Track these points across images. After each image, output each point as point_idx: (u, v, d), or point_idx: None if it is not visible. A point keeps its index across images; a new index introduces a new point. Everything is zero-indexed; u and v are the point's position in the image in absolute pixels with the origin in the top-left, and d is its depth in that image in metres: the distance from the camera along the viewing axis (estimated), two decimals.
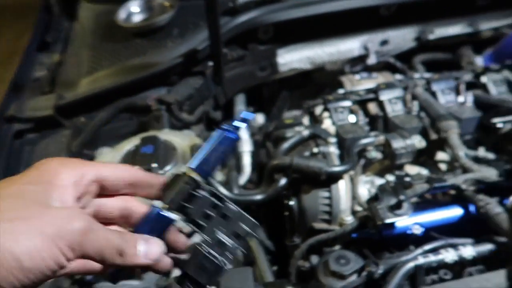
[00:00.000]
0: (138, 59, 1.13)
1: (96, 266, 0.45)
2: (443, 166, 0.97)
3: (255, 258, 0.86)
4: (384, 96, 1.09)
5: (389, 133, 1.03)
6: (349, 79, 1.36)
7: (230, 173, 0.96)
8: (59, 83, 1.17)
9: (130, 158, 0.92)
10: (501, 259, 0.75)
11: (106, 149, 1.05)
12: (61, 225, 0.40)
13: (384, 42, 1.38)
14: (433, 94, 1.10)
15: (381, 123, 1.04)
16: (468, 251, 0.75)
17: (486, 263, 0.76)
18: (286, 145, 0.99)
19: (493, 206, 0.77)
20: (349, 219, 0.86)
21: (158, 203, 0.49)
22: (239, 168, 1.12)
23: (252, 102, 1.44)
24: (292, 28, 1.26)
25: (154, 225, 0.48)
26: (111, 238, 0.43)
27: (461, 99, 1.07)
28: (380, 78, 1.36)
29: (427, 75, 1.28)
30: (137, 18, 1.29)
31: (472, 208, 0.84)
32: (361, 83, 1.34)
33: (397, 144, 0.93)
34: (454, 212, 0.85)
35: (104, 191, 0.48)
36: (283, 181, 0.89)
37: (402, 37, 1.37)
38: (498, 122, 0.95)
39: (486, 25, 1.35)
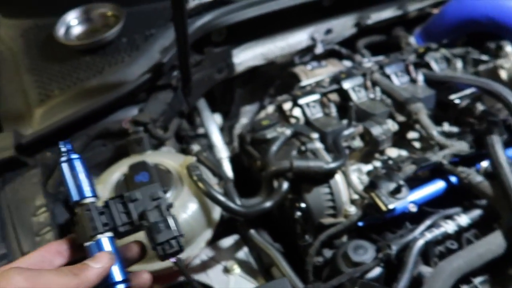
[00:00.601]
0: (95, 79, 1.04)
1: None
2: (416, 145, 1.06)
3: (275, 263, 0.88)
4: (347, 84, 1.16)
5: (359, 120, 1.11)
6: (302, 71, 1.41)
7: (227, 185, 0.95)
8: (4, 118, 1.03)
9: (125, 189, 0.86)
10: (487, 221, 0.87)
11: None
12: None
13: (328, 31, 1.44)
14: (388, 77, 1.19)
15: (352, 112, 1.10)
16: (464, 219, 0.85)
17: (477, 226, 0.87)
18: (274, 147, 1.00)
19: (474, 176, 0.89)
20: (352, 209, 0.92)
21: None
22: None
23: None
24: (244, 28, 1.25)
25: None
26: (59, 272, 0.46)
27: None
28: (330, 66, 1.43)
29: (374, 58, 1.38)
30: (76, 31, 1.18)
31: (453, 179, 0.94)
32: (314, 73, 1.40)
33: (377, 131, 1.00)
34: (438, 185, 0.95)
35: None
36: (285, 185, 0.91)
37: (343, 24, 1.45)
38: (455, 98, 1.07)
39: (413, 7, 1.49)
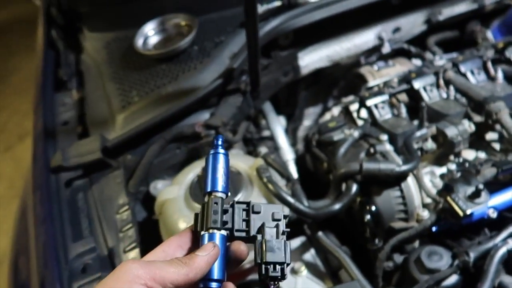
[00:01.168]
0: (170, 85, 1.10)
1: None
2: (496, 146, 1.00)
3: (344, 266, 0.87)
4: (418, 84, 1.12)
5: (431, 121, 1.06)
6: (369, 71, 1.38)
7: (294, 187, 0.96)
8: (91, 123, 1.13)
9: (199, 190, 0.91)
10: None
11: (161, 182, 1.04)
12: None
13: (396, 30, 1.40)
14: (463, 75, 1.13)
15: (424, 112, 1.06)
16: None
17: None
18: (342, 149, 1.00)
19: None
20: (425, 214, 0.89)
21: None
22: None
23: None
24: (310, 31, 1.26)
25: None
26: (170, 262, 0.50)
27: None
28: (398, 65, 1.39)
29: (446, 56, 1.32)
30: (153, 40, 1.26)
31: None
32: (381, 73, 1.36)
33: (452, 132, 0.96)
34: None
35: None
36: (355, 188, 0.90)
37: (413, 22, 1.40)
38: None
39: None
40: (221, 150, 0.58)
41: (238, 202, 0.56)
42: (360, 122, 1.16)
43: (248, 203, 0.56)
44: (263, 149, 1.07)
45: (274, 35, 1.20)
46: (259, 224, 0.55)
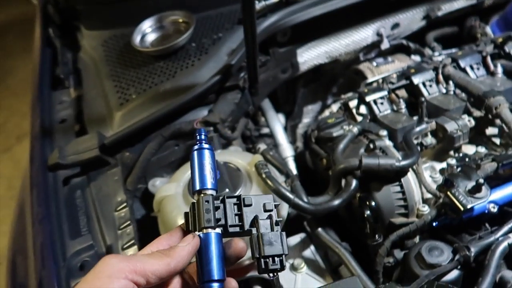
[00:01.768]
0: (168, 82, 1.10)
1: None
2: (496, 141, 0.99)
3: (344, 262, 0.87)
4: (417, 79, 1.11)
5: (430, 116, 1.06)
6: (368, 67, 1.38)
7: (294, 183, 0.95)
8: (89, 121, 1.13)
9: None
10: None
11: (159, 180, 1.03)
12: None
13: (395, 26, 1.40)
14: (462, 70, 1.13)
15: (424, 107, 1.06)
16: None
17: None
18: (341, 145, 0.99)
19: None
20: (425, 209, 0.88)
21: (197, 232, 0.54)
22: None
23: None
24: (309, 27, 1.25)
25: (210, 250, 0.52)
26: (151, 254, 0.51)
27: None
28: (397, 61, 1.39)
29: (445, 52, 1.31)
30: (151, 38, 1.25)
31: None
32: (381, 70, 1.36)
33: (452, 127, 0.96)
34: None
35: None
36: (354, 184, 0.90)
37: (412, 18, 1.40)
38: None
39: None
40: (205, 145, 0.57)
41: (229, 197, 0.55)
42: (359, 118, 1.16)
43: (238, 197, 0.55)
44: (262, 146, 1.07)
45: (272, 31, 1.19)
46: (251, 217, 0.54)
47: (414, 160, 0.89)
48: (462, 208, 0.81)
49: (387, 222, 0.90)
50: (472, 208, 0.82)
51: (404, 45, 1.41)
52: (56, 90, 1.26)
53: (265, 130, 1.33)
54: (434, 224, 0.87)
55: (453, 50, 1.28)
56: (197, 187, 0.54)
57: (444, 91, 1.10)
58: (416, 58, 1.38)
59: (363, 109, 1.14)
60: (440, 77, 1.11)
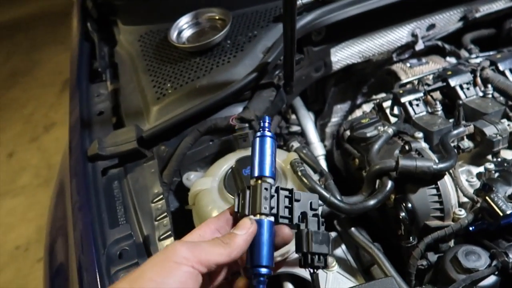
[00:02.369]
0: (204, 78, 1.11)
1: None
2: None
3: (377, 263, 0.87)
4: (454, 82, 1.10)
5: (467, 120, 1.05)
6: (401, 68, 1.37)
7: (328, 182, 0.96)
8: (125, 114, 1.15)
9: (232, 182, 0.91)
10: None
11: (193, 174, 1.05)
12: None
13: (431, 27, 1.38)
14: (502, 73, 1.11)
15: (461, 110, 1.05)
16: None
17: None
18: (376, 146, 0.99)
19: None
20: (462, 213, 0.88)
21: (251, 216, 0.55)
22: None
23: None
24: (344, 26, 1.25)
25: (263, 236, 0.54)
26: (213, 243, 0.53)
27: None
28: (431, 63, 1.37)
29: (483, 54, 1.29)
30: (187, 34, 1.27)
31: None
32: (414, 71, 1.35)
33: (491, 131, 0.94)
34: None
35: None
36: (390, 185, 0.90)
37: (448, 19, 1.38)
38: None
39: None
40: (267, 133, 0.58)
41: (282, 189, 0.56)
42: (393, 119, 1.15)
43: (291, 190, 0.56)
44: (295, 144, 1.07)
45: (308, 30, 1.19)
46: (299, 212, 0.56)
47: (452, 163, 0.88)
48: (501, 214, 0.80)
49: (421, 225, 0.89)
50: (511, 214, 0.81)
51: (439, 46, 1.40)
52: (93, 83, 1.29)
53: (295, 128, 1.34)
54: (470, 228, 0.86)
55: (491, 53, 1.26)
56: (257, 173, 0.56)
57: (481, 94, 1.09)
58: (451, 60, 1.36)
59: (396, 110, 1.13)
60: (478, 80, 1.10)
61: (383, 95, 1.27)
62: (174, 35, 1.22)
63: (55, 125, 3.87)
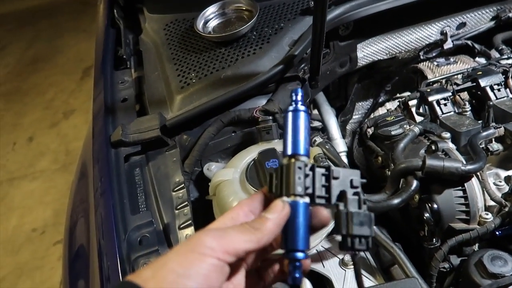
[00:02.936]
0: (229, 69, 1.10)
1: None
2: None
3: (399, 263, 0.85)
4: (484, 82, 1.07)
5: (496, 121, 1.02)
6: (428, 67, 1.34)
7: None
8: (149, 101, 1.15)
9: (255, 174, 0.91)
10: None
11: (214, 164, 1.05)
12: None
13: (461, 25, 1.35)
14: None
15: (491, 112, 1.02)
16: None
17: None
18: (402, 144, 0.97)
19: None
20: (488, 217, 0.86)
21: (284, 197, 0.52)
22: None
23: None
24: (372, 22, 1.23)
25: (298, 218, 0.50)
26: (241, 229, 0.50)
27: None
28: (459, 62, 1.34)
29: None
30: (213, 24, 1.27)
31: None
32: (442, 70, 1.32)
33: None
34: None
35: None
36: (415, 184, 0.88)
37: (480, 18, 1.34)
38: None
39: None
40: (301, 107, 0.54)
41: (318, 166, 0.52)
42: (418, 118, 1.13)
43: (328, 167, 0.52)
44: (317, 139, 1.06)
45: (335, 24, 1.17)
46: (338, 190, 0.51)
47: (480, 165, 0.86)
48: None
49: (446, 227, 0.88)
50: None
51: (469, 46, 1.36)
52: (118, 69, 1.30)
53: (315, 124, 1.32)
54: (497, 233, 0.84)
55: None
56: (289, 152, 0.52)
57: None
58: (481, 60, 1.33)
59: (422, 109, 1.11)
60: (510, 81, 1.07)
61: (407, 93, 1.24)
62: (200, 24, 1.22)
63: (75, 112, 3.92)
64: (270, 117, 1.01)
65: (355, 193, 0.51)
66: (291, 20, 1.20)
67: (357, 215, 0.49)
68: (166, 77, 1.17)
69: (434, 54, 1.40)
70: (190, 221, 0.89)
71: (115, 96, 1.18)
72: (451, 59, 1.35)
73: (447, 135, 0.98)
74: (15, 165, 3.38)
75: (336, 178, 0.52)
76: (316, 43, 0.97)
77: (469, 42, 1.36)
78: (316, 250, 1.01)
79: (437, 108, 1.06)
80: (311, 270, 0.94)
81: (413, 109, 1.14)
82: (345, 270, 0.95)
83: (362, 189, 0.92)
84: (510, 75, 1.07)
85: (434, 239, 0.87)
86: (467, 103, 1.05)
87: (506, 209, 0.83)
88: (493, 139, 0.97)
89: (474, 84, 1.08)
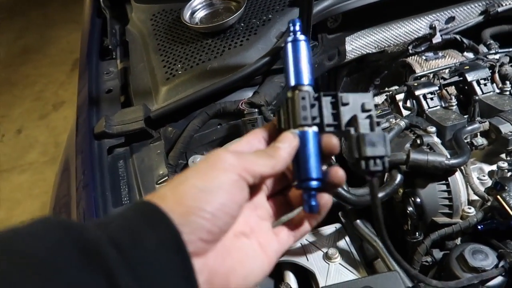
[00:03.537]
0: (215, 61, 1.09)
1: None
2: None
3: (381, 257, 0.85)
4: (471, 77, 1.07)
5: (482, 116, 1.02)
6: (416, 61, 1.34)
7: None
8: (134, 93, 1.14)
9: None
10: None
11: (199, 157, 1.04)
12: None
13: (450, 19, 1.34)
14: None
15: (477, 106, 1.02)
16: None
17: None
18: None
19: None
20: (471, 211, 0.86)
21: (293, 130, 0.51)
22: None
23: None
24: (361, 15, 1.22)
25: (308, 148, 0.50)
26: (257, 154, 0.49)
27: None
28: (448, 57, 1.34)
29: (502, 50, 1.26)
30: (200, 15, 1.25)
31: None
32: (430, 64, 1.32)
33: (506, 128, 0.92)
34: None
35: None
36: (399, 178, 0.88)
37: (469, 12, 1.34)
38: None
39: None
40: (300, 37, 0.52)
41: (325, 94, 0.50)
42: (405, 112, 1.13)
43: (335, 95, 0.50)
44: None
45: (324, 16, 1.16)
46: (348, 116, 0.49)
47: (464, 160, 0.86)
48: None
49: (429, 220, 0.88)
50: None
51: (457, 40, 1.36)
52: (103, 60, 1.28)
53: None
54: (479, 227, 0.84)
55: (511, 49, 1.22)
56: (292, 83, 0.51)
57: (498, 91, 1.06)
58: (469, 55, 1.33)
59: (409, 103, 1.11)
60: (496, 76, 1.07)
61: (396, 87, 1.24)
62: (187, 15, 1.20)
63: (64, 104, 3.88)
64: (256, 110, 1.01)
65: (368, 117, 0.49)
66: (279, 11, 1.19)
67: (368, 136, 0.47)
68: (152, 68, 1.15)
69: (423, 48, 1.39)
70: None
71: (100, 87, 1.17)
72: (440, 54, 1.35)
73: (432, 129, 0.98)
74: (4, 157, 3.35)
75: (345, 104, 0.49)
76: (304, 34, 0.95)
77: (457, 37, 1.35)
78: (300, 243, 1.01)
79: (424, 102, 1.05)
80: (294, 264, 0.94)
81: (400, 103, 1.13)
82: (328, 264, 0.95)
83: (348, 183, 0.93)
84: (497, 70, 1.07)
85: (417, 233, 0.87)
86: (453, 97, 1.05)
87: (489, 204, 0.83)
88: (478, 134, 0.97)
89: (461, 78, 1.08)
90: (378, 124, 0.49)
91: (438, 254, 0.87)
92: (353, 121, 0.49)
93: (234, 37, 1.14)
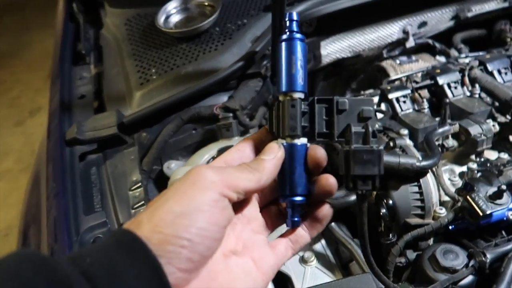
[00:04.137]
0: (190, 65, 1.09)
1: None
2: None
3: (356, 259, 0.86)
4: (442, 80, 1.09)
5: (453, 118, 1.04)
6: (391, 65, 1.36)
7: None
8: (108, 98, 1.12)
9: None
10: None
11: (174, 163, 1.03)
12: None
13: (422, 24, 1.37)
14: (490, 74, 1.11)
15: (447, 109, 1.04)
16: None
17: None
18: None
19: None
20: (442, 212, 0.87)
21: (280, 140, 0.48)
22: None
23: None
24: (335, 19, 1.23)
25: (293, 161, 0.47)
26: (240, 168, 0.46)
27: None
28: (421, 61, 1.36)
29: (472, 54, 1.29)
30: (175, 19, 1.24)
31: None
32: (404, 68, 1.34)
33: (475, 130, 0.94)
34: None
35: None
36: None
37: (440, 17, 1.37)
38: None
39: None
40: (297, 35, 0.47)
41: (319, 100, 0.46)
42: (379, 115, 1.14)
43: (330, 100, 0.46)
44: None
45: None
46: (344, 124, 0.45)
47: (435, 162, 0.87)
48: (481, 214, 0.79)
49: (402, 222, 0.88)
50: (491, 214, 0.80)
51: (430, 44, 1.39)
52: (76, 65, 1.26)
53: None
54: (450, 227, 0.85)
55: (481, 53, 1.26)
56: (284, 88, 0.47)
57: (468, 94, 1.08)
58: (441, 58, 1.36)
59: (383, 106, 1.12)
60: (466, 79, 1.09)
61: (370, 91, 1.25)
62: (161, 19, 1.20)
63: (41, 110, 3.79)
64: (231, 114, 1.00)
65: (364, 127, 0.45)
66: (254, 16, 1.19)
67: (358, 153, 0.44)
68: (126, 73, 1.14)
69: (397, 53, 1.42)
70: None
71: (72, 93, 1.15)
72: (413, 58, 1.38)
73: (405, 132, 0.99)
74: None
75: (341, 111, 0.46)
76: (276, 39, 0.96)
77: (430, 41, 1.38)
78: None
79: (397, 105, 1.07)
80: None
81: (376, 107, 1.15)
82: (304, 267, 0.95)
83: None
84: (467, 74, 1.10)
85: (390, 235, 0.88)
86: (425, 100, 1.07)
87: (459, 204, 0.84)
88: (449, 136, 0.99)
89: (433, 82, 1.10)
90: (375, 136, 0.45)
91: (411, 255, 0.88)
92: (347, 131, 0.46)
93: (209, 42, 1.14)
